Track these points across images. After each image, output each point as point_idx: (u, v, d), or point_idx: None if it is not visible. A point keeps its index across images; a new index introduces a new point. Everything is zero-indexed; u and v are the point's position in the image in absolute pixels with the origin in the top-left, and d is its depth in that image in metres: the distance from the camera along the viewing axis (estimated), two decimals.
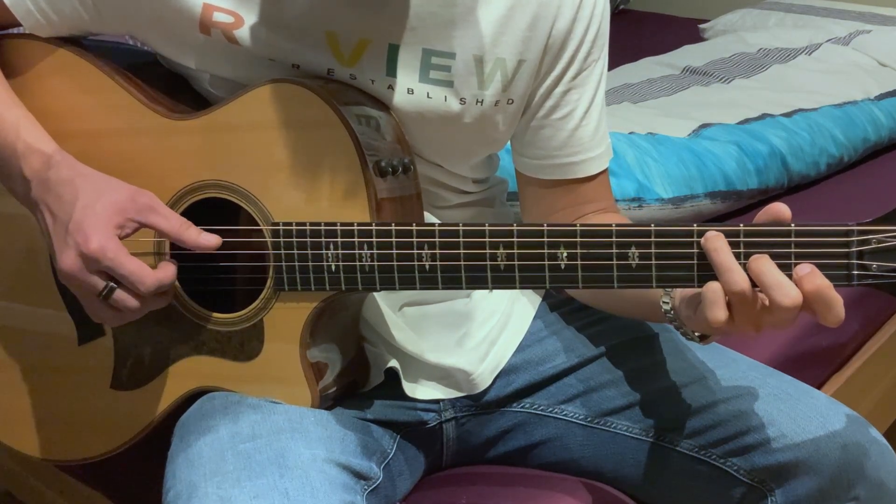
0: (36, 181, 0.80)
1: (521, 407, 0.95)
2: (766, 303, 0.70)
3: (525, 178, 0.95)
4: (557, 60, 0.87)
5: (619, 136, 1.47)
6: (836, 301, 0.68)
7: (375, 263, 0.77)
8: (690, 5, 2.85)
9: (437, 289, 0.77)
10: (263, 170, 0.80)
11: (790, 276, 0.69)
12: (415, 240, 0.76)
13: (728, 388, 0.88)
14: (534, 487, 0.93)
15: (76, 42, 0.88)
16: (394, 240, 0.76)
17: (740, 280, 0.68)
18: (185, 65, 0.86)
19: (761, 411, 0.85)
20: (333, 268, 0.78)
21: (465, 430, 0.95)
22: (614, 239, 0.72)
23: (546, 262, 0.74)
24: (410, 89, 0.84)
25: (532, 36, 0.85)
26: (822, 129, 1.67)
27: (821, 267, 0.69)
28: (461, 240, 0.75)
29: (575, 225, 0.73)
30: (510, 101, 0.87)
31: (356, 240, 0.77)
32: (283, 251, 0.79)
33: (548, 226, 0.74)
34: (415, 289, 0.77)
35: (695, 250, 0.71)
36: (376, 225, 0.77)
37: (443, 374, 0.92)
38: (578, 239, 0.73)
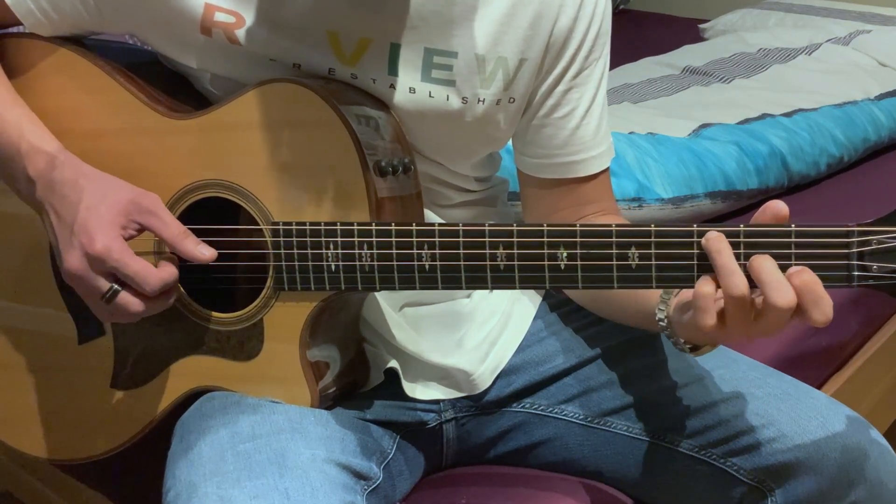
0: (40, 182, 0.80)
1: (522, 407, 0.95)
2: (760, 306, 0.69)
3: (526, 178, 0.95)
4: (559, 59, 0.87)
5: (619, 136, 1.47)
6: (825, 297, 0.68)
7: (375, 263, 0.77)
8: (690, 5, 2.85)
9: (437, 289, 0.76)
10: (263, 169, 0.80)
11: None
12: (414, 239, 0.76)
13: (728, 388, 0.88)
14: (534, 487, 0.93)
15: (77, 41, 0.88)
16: (393, 239, 0.76)
17: (741, 283, 0.68)
18: (186, 64, 0.86)
19: (761, 411, 0.85)
20: (333, 267, 0.78)
21: (465, 430, 0.95)
22: (614, 239, 0.72)
23: (546, 263, 0.74)
24: (412, 88, 0.84)
25: (534, 34, 0.85)
26: (822, 129, 1.67)
27: (821, 267, 0.69)
28: (461, 240, 0.75)
29: (575, 225, 0.73)
30: (511, 100, 0.87)
31: (356, 239, 0.77)
32: (282, 251, 0.79)
33: (548, 226, 0.74)
34: (414, 288, 0.77)
35: (695, 251, 0.71)
36: (376, 225, 0.77)
37: (443, 375, 0.92)
38: (578, 239, 0.73)
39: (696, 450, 0.88)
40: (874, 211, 0.71)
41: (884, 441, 0.87)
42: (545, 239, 0.74)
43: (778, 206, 0.70)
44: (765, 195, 1.57)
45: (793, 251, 0.69)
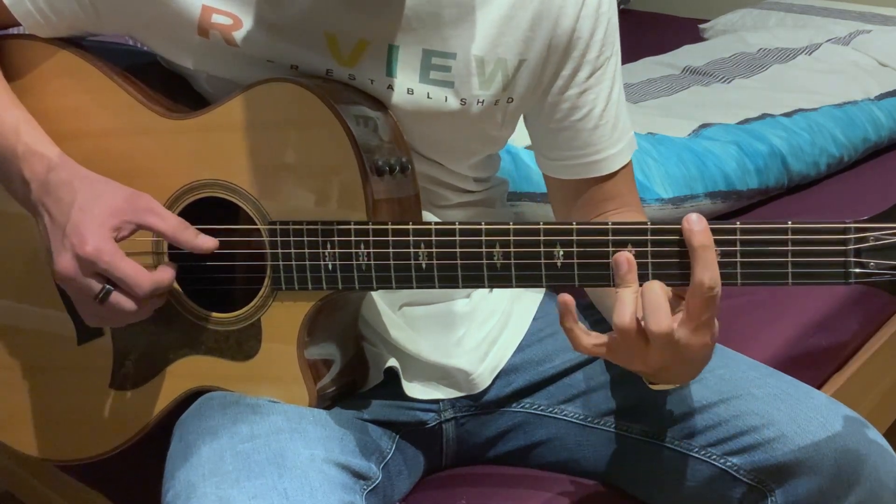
0: (36, 183, 0.80)
1: (521, 407, 0.95)
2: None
3: (551, 179, 0.95)
4: (565, 61, 0.87)
5: None
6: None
7: (372, 262, 0.77)
8: (690, 5, 2.86)
9: (434, 288, 0.77)
10: (261, 169, 0.80)
11: (785, 275, 0.69)
12: (411, 239, 0.76)
13: (728, 388, 0.88)
14: (534, 487, 0.93)
15: (75, 42, 0.88)
16: (390, 239, 0.76)
17: (664, 320, 0.69)
18: (183, 65, 0.86)
19: (761, 411, 0.85)
20: (330, 267, 0.78)
21: (464, 430, 0.95)
22: (610, 237, 0.72)
23: (542, 261, 0.74)
24: (410, 89, 0.84)
25: (533, 36, 0.84)
26: (822, 128, 1.67)
27: (818, 264, 0.69)
28: (457, 238, 0.75)
29: (571, 223, 0.73)
30: (510, 100, 0.87)
31: (353, 239, 0.77)
32: (280, 250, 0.79)
33: (544, 224, 0.74)
34: (412, 288, 0.77)
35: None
36: (373, 224, 0.77)
37: (442, 374, 0.92)
38: (574, 237, 0.73)
39: (695, 450, 0.87)
40: (874, 211, 0.70)
41: (884, 441, 0.87)
42: (541, 238, 0.74)
43: (565, 298, 0.71)
44: (765, 195, 1.57)
45: (789, 248, 0.69)
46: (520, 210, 1.29)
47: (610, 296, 0.87)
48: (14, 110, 0.84)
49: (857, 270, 0.69)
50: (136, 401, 0.88)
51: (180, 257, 0.82)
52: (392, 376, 0.89)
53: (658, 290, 0.70)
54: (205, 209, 0.83)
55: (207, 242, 0.79)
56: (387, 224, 0.76)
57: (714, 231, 0.70)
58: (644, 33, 2.57)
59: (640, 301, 0.71)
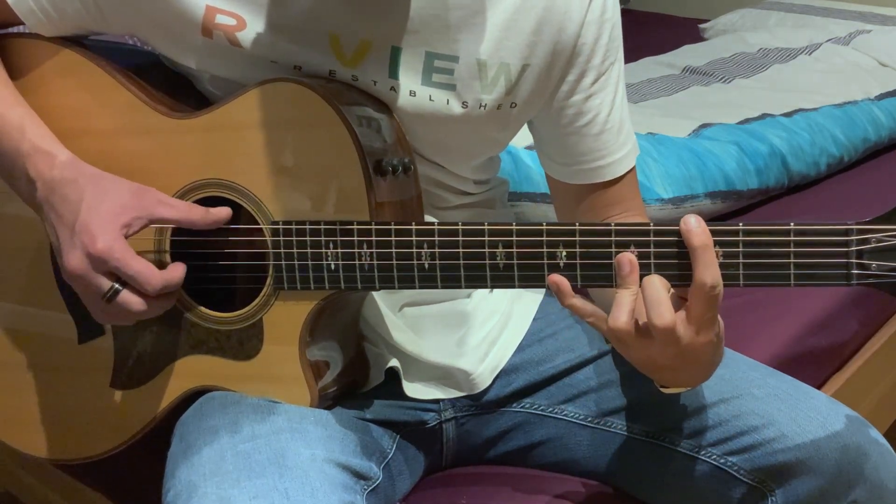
0: (41, 181, 0.80)
1: (521, 407, 0.95)
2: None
3: (555, 182, 0.95)
4: (570, 66, 0.86)
5: None
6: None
7: (375, 262, 0.77)
8: (690, 5, 2.86)
9: (437, 288, 0.77)
10: (264, 169, 0.80)
11: (788, 276, 0.69)
12: (414, 239, 0.76)
13: (728, 388, 0.88)
14: (534, 487, 0.93)
15: (78, 42, 0.88)
16: (393, 239, 0.76)
17: (667, 314, 0.69)
18: (187, 65, 0.86)
19: (761, 411, 0.85)
20: (333, 267, 0.78)
21: (464, 430, 0.95)
22: (613, 238, 0.72)
23: (545, 262, 0.74)
24: (413, 92, 0.84)
25: (537, 41, 0.84)
26: (822, 128, 1.67)
27: (820, 266, 0.69)
28: (460, 239, 0.75)
29: (574, 224, 0.73)
30: (513, 105, 0.87)
31: (355, 239, 0.77)
32: (282, 250, 0.79)
33: (547, 225, 0.74)
34: (414, 288, 0.77)
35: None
36: (375, 224, 0.77)
37: (443, 374, 0.92)
38: (577, 238, 0.73)
39: (696, 450, 0.88)
40: (874, 211, 0.71)
41: (884, 441, 0.87)
42: (544, 238, 0.74)
43: (554, 278, 0.72)
44: (765, 195, 1.57)
45: (791, 249, 0.69)
46: (520, 210, 1.30)
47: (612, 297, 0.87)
48: (18, 108, 0.83)
49: (859, 272, 0.69)
50: (136, 400, 0.88)
51: (183, 256, 0.82)
52: (393, 376, 0.89)
53: (657, 284, 0.70)
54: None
55: (220, 213, 0.80)
56: (390, 224, 0.76)
57: (716, 232, 0.70)
58: (644, 33, 2.57)
59: (638, 302, 0.71)
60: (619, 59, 0.90)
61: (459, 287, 0.76)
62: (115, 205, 0.78)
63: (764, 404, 0.86)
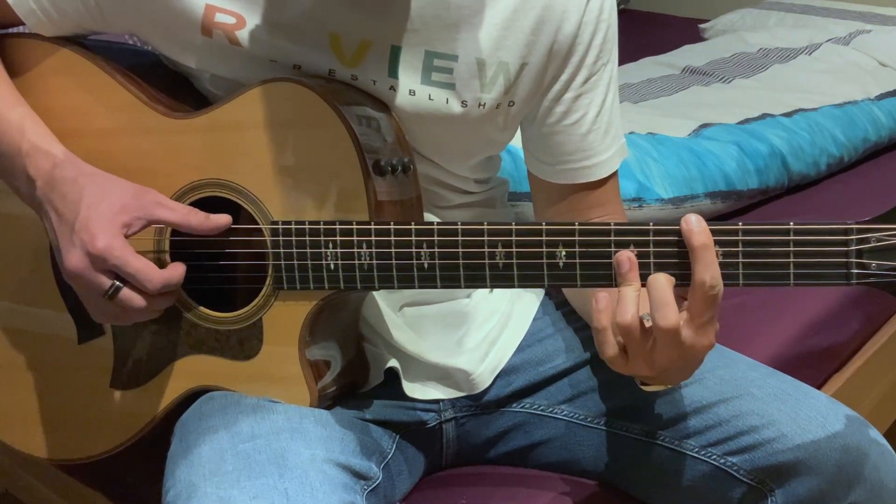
0: (41, 181, 0.80)
1: (521, 407, 0.95)
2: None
3: (536, 180, 0.95)
4: (565, 65, 0.87)
5: None
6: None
7: (374, 262, 0.77)
8: (690, 5, 2.86)
9: (436, 288, 0.77)
10: (263, 169, 0.80)
11: (787, 275, 0.69)
12: (413, 238, 0.76)
13: (728, 388, 0.88)
14: (534, 487, 0.93)
15: (78, 41, 0.88)
16: (392, 238, 0.76)
17: (671, 315, 0.69)
18: (186, 65, 0.86)
19: (761, 411, 0.85)
20: (332, 267, 0.78)
21: (464, 430, 0.95)
22: (612, 238, 0.72)
23: (545, 261, 0.74)
24: (412, 91, 0.84)
25: (536, 40, 0.84)
26: (822, 128, 1.67)
27: (820, 265, 0.69)
28: (460, 238, 0.75)
29: (574, 224, 0.73)
30: (511, 104, 0.87)
31: (355, 238, 0.77)
32: (282, 250, 0.79)
33: (546, 225, 0.74)
34: (413, 288, 0.77)
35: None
36: (375, 224, 0.77)
37: (442, 374, 0.92)
38: (577, 238, 0.73)
39: (695, 450, 0.88)
40: (874, 211, 0.71)
41: (884, 441, 0.87)
42: (544, 238, 0.74)
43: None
44: (765, 195, 1.57)
45: (791, 249, 0.69)
46: (520, 210, 1.29)
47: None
48: (18, 108, 0.84)
49: (859, 271, 0.69)
50: (136, 400, 0.88)
51: (182, 256, 0.82)
52: (392, 376, 0.89)
53: (664, 283, 0.70)
54: (207, 209, 0.82)
55: (220, 220, 0.80)
56: (389, 224, 0.76)
57: (716, 232, 0.70)
58: (644, 33, 2.57)
59: (642, 299, 0.71)
60: (612, 62, 0.90)
61: (459, 287, 0.76)
62: (115, 204, 0.78)
63: (764, 404, 0.86)
